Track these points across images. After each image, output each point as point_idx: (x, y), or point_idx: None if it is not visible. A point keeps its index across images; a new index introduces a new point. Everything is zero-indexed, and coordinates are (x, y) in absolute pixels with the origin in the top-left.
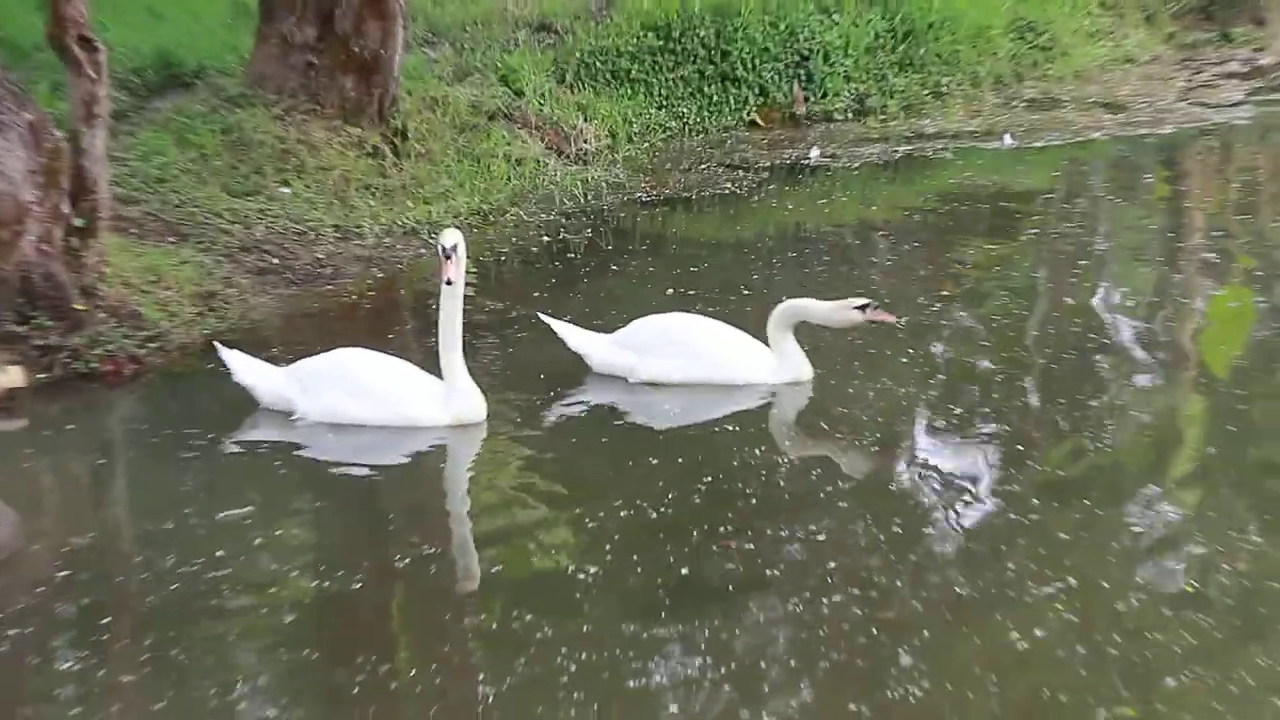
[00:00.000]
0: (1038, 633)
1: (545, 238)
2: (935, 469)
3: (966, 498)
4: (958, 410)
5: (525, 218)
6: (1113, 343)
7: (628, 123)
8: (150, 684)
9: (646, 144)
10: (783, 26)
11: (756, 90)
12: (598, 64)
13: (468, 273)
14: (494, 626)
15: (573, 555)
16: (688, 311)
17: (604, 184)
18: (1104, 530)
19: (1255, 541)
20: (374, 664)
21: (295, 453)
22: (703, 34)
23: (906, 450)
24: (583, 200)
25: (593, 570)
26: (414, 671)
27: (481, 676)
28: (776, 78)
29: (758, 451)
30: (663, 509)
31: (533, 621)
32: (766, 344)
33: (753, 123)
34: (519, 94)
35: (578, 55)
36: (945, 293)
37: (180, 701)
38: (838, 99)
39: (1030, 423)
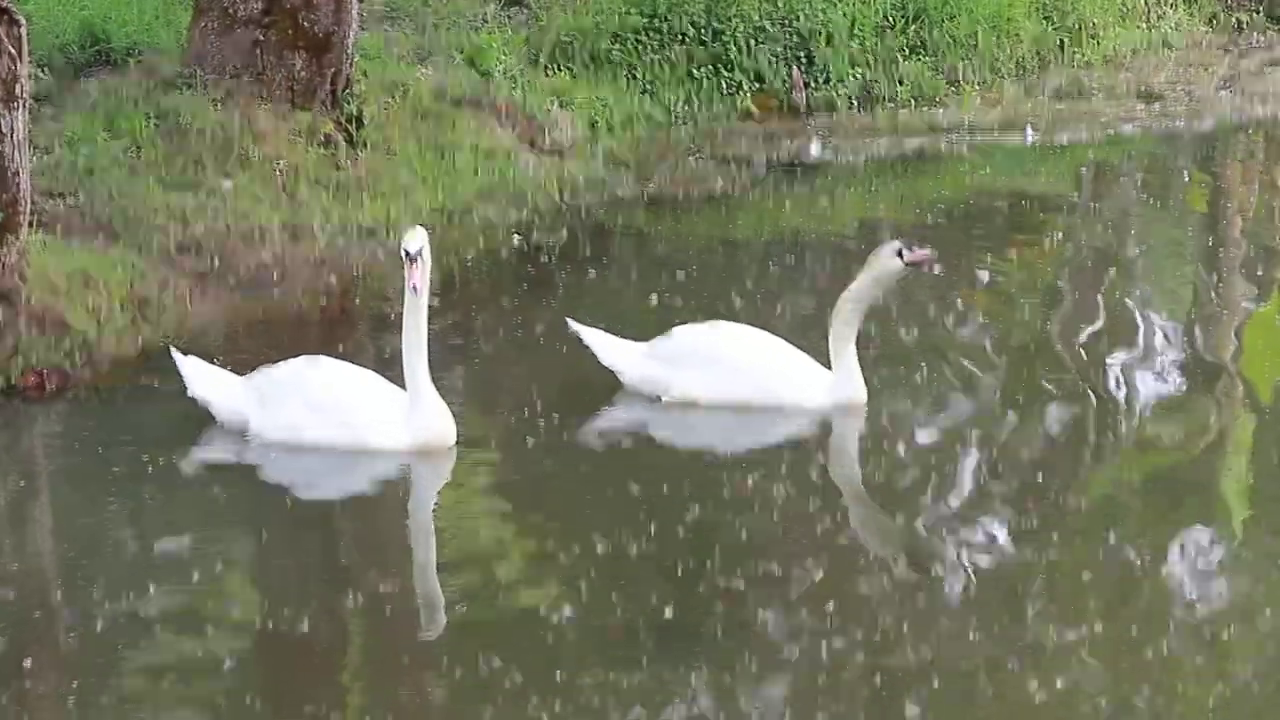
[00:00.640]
0: (1058, 684)
1: (516, 239)
2: (946, 502)
3: (981, 534)
4: (973, 434)
5: (494, 217)
6: (1145, 361)
7: (608, 111)
8: None
9: (629, 135)
10: (782, 4)
11: (751, 76)
12: (575, 44)
13: (431, 278)
14: (458, 674)
15: (546, 595)
16: (680, 324)
17: (581, 180)
18: (1132, 570)
19: None
20: (324, 717)
21: (242, 476)
22: (692, 11)
23: (915, 481)
24: (558, 197)
25: (567, 613)
26: None
27: None
28: (774, 61)
29: (751, 480)
30: (645, 544)
31: (501, 669)
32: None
33: (747, 112)
34: (487, 78)
35: (553, 34)
36: (960, 304)
37: None
38: (841, 86)
39: (1051, 449)
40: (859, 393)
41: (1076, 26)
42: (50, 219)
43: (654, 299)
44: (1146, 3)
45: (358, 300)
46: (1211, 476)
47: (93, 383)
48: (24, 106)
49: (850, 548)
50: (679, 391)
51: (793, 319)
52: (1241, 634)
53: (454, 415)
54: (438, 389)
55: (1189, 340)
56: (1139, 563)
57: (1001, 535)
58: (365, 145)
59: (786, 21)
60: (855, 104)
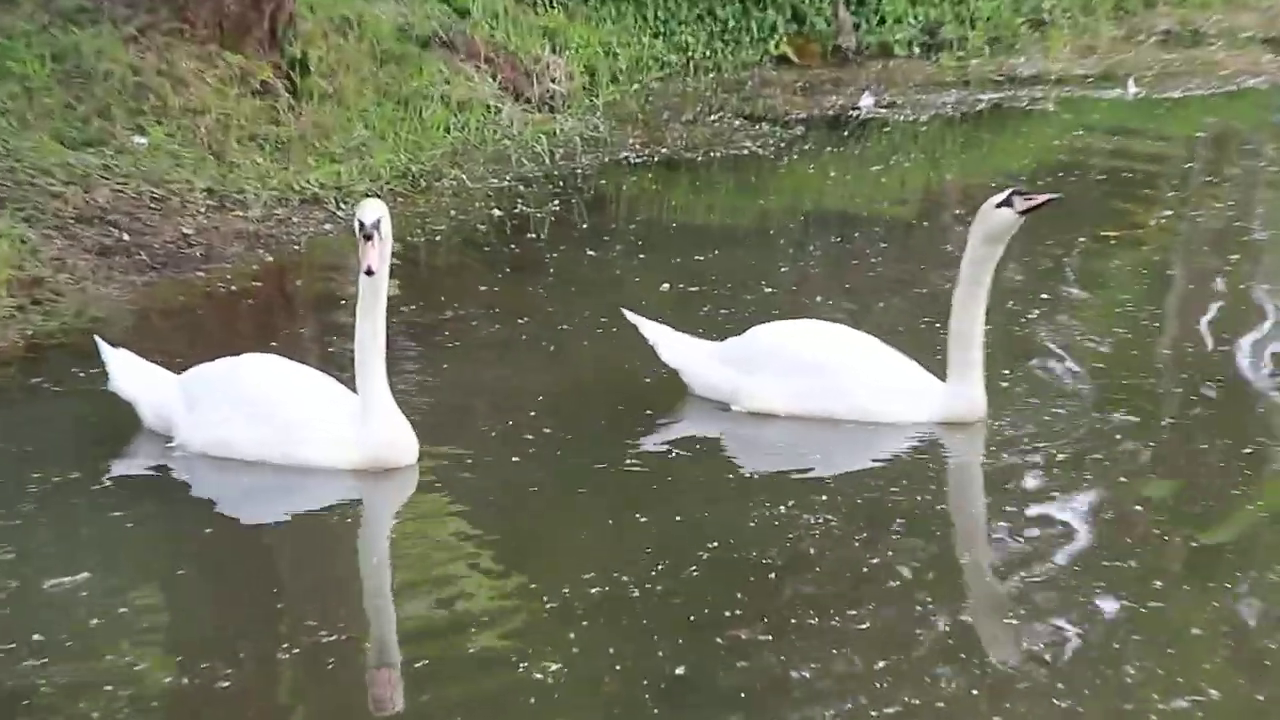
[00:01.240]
0: None
1: (496, 211)
2: (1025, 537)
3: (1067, 579)
4: (1059, 455)
5: (470, 183)
6: (1272, 367)
7: (612, 56)
8: None
9: (637, 85)
10: None
11: (788, 13)
12: None
13: (393, 258)
14: None
15: (526, 645)
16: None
17: (578, 139)
18: (1253, 625)
19: None
20: None
21: (159, 496)
22: None
23: (989, 509)
24: (549, 161)
25: (553, 668)
26: None
27: None
28: None
29: (781, 510)
30: (650, 585)
31: None
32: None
33: (783, 57)
34: (462, 14)
35: None
36: (1045, 296)
37: None
38: (899, 28)
39: (1156, 475)
40: (974, 405)
41: None
42: None
43: (666, 286)
44: None
45: (299, 283)
46: None
47: None
48: None
49: (921, 594)
50: (751, 400)
51: (834, 312)
52: None
53: (417, 426)
54: (398, 394)
55: None
56: (1262, 615)
57: (1115, 585)
58: (310, 95)
59: None
60: (917, 49)
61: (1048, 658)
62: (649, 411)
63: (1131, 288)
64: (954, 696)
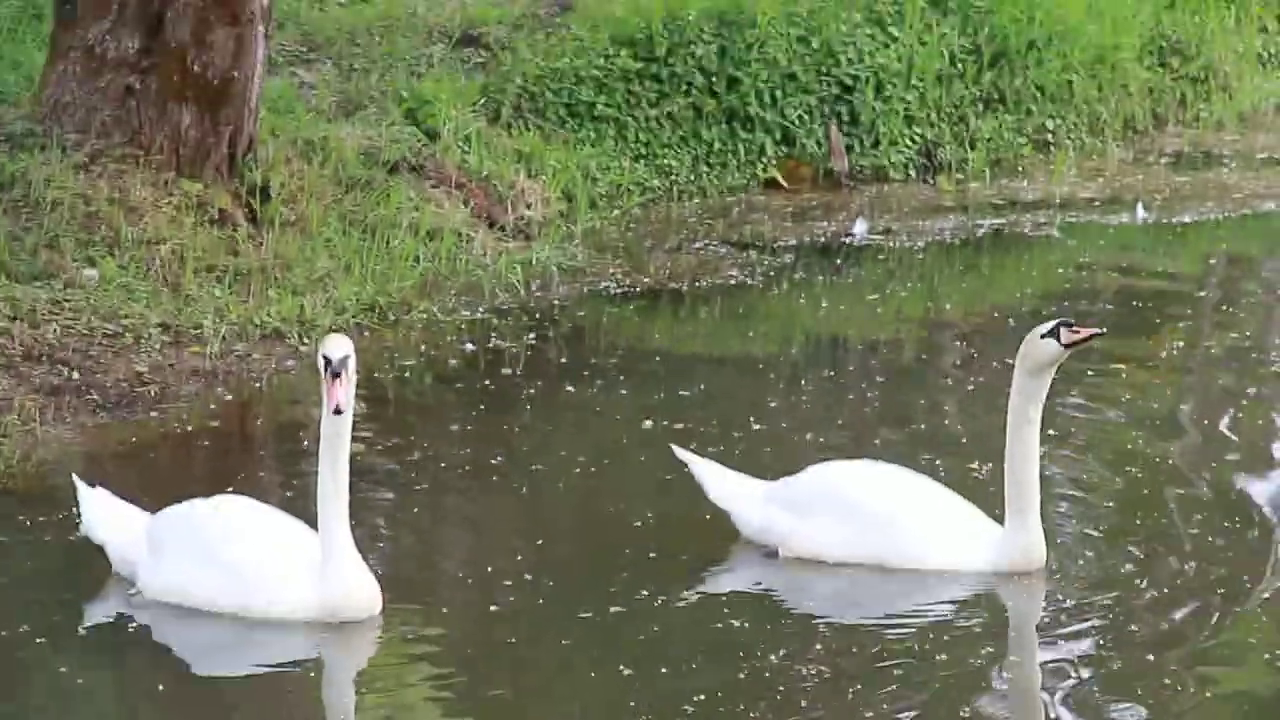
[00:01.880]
0: None
1: (469, 345)
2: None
3: None
4: (1073, 609)
5: (440, 316)
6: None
7: (590, 180)
8: None
9: (617, 211)
10: (816, 44)
11: (777, 135)
12: (548, 94)
13: (357, 396)
14: None
15: None
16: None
17: (555, 268)
18: None
19: None
20: None
21: (112, 652)
22: (700, 53)
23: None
24: (524, 291)
25: None
26: None
27: None
28: (806, 118)
29: (773, 660)
30: None
31: None
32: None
33: (771, 182)
34: (432, 137)
35: (518, 81)
36: (1053, 433)
37: None
38: (895, 150)
39: (1181, 634)
40: (1031, 553)
41: (1202, 75)
42: None
43: (649, 423)
44: None
45: (260, 423)
46: None
47: None
48: None
49: None
50: (798, 544)
51: (827, 452)
52: None
53: (382, 574)
54: (363, 541)
55: None
56: None
57: None
58: (272, 223)
59: (823, 66)
60: (914, 172)
61: None
62: (635, 555)
63: (1143, 427)
64: None
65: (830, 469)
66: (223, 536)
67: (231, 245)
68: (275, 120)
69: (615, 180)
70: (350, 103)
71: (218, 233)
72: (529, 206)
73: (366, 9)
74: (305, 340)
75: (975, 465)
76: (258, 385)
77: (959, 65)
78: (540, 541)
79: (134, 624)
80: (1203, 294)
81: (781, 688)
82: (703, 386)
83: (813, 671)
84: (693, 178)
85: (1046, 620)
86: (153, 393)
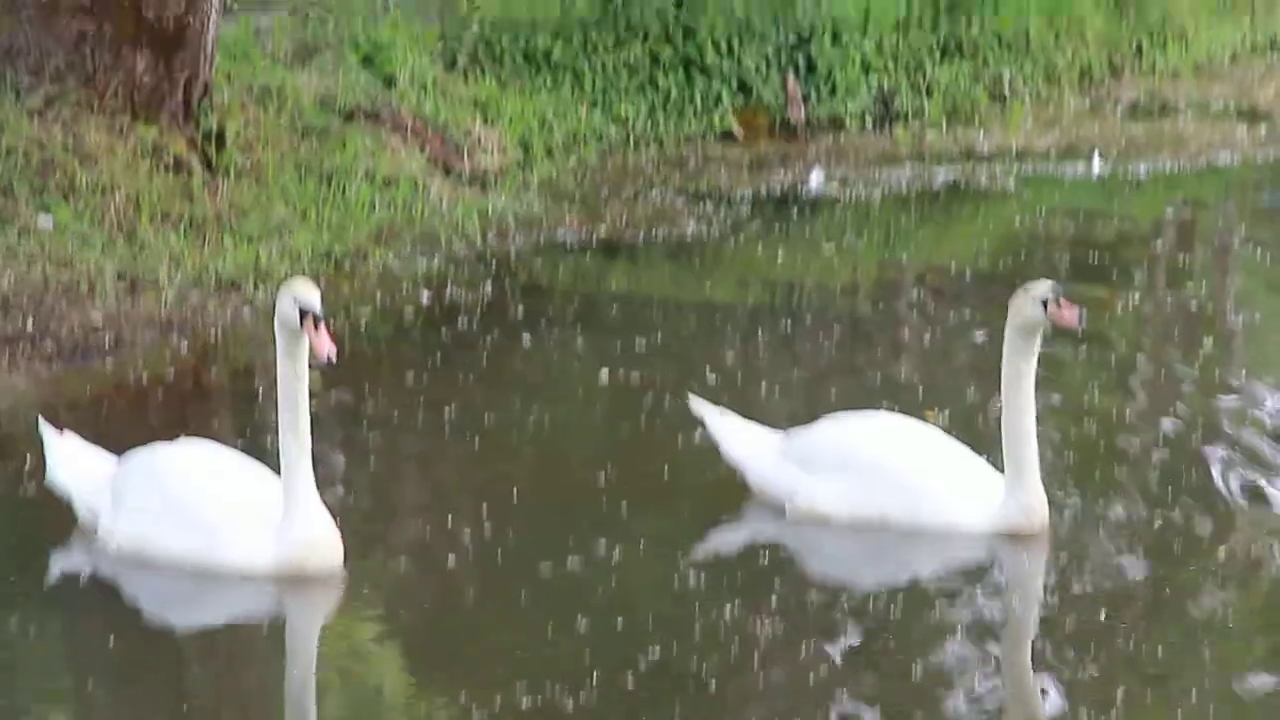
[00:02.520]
0: None
1: (425, 294)
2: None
3: None
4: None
5: (397, 265)
6: (1252, 465)
7: (547, 129)
8: None
9: (574, 160)
10: None
11: (734, 84)
12: (504, 41)
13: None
14: None
15: None
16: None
17: (512, 217)
18: None
19: None
20: None
21: (66, 606)
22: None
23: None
24: (481, 241)
25: None
26: None
27: None
28: (764, 66)
29: (728, 615)
30: (583, 697)
31: None
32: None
33: (728, 132)
34: (389, 84)
35: (475, 28)
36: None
37: None
38: (852, 99)
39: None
40: (1033, 513)
41: (1159, 24)
42: None
43: (604, 374)
44: None
45: (215, 373)
46: None
47: None
48: None
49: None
50: (804, 501)
51: (782, 404)
52: None
53: (340, 528)
54: (321, 494)
55: None
56: None
57: None
58: (228, 171)
59: (781, 14)
60: (870, 122)
61: None
62: (592, 508)
63: (1097, 379)
64: None
65: (838, 421)
66: (183, 486)
67: (187, 192)
68: (231, 66)
69: (572, 129)
70: (306, 49)
71: (173, 179)
72: (486, 154)
73: None
74: (260, 289)
75: (932, 414)
76: (213, 334)
77: (916, 13)
78: (498, 493)
79: (92, 576)
80: (1159, 244)
81: (737, 643)
82: (658, 336)
83: (767, 629)
84: (649, 126)
85: (1043, 581)
86: (107, 342)
